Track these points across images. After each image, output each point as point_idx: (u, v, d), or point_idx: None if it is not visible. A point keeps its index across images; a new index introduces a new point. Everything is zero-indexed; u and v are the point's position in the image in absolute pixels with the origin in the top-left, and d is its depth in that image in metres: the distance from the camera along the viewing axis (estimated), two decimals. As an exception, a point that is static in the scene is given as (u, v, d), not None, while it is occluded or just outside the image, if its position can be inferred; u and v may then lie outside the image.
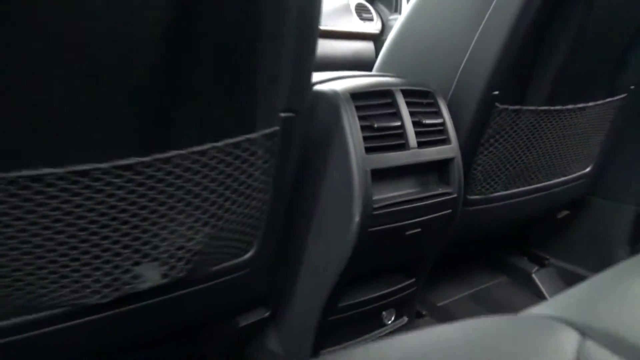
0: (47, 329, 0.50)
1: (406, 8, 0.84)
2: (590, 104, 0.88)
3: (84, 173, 0.43)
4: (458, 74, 0.75)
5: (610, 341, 0.31)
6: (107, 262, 0.48)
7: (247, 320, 0.71)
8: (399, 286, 0.78)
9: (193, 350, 0.78)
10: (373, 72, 0.80)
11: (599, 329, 0.32)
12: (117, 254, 0.49)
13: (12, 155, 0.40)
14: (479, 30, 0.72)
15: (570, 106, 0.84)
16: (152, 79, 0.45)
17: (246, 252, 0.61)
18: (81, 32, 0.39)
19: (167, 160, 0.47)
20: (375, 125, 0.63)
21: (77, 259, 0.47)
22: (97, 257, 0.48)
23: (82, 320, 0.51)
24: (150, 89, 0.45)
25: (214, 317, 0.69)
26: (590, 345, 0.30)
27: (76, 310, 0.50)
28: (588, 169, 1.02)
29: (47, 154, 0.42)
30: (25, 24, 0.36)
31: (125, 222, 0.48)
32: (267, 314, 0.72)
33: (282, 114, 0.53)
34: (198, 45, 0.46)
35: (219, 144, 0.50)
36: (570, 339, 0.31)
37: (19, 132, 0.41)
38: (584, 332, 0.32)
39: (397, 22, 0.85)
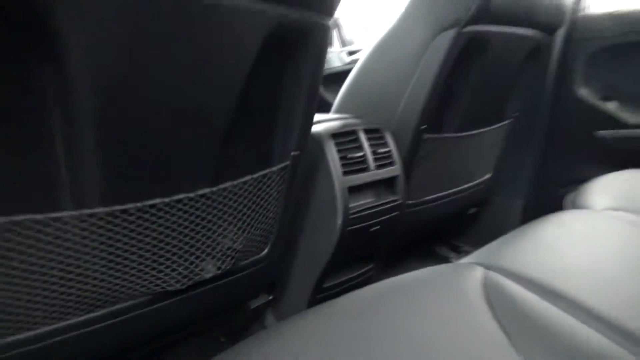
0: (139, 311, 0.70)
1: (360, 58, 1.12)
2: (487, 128, 1.22)
3: (179, 200, 0.65)
4: (399, 113, 1.04)
5: (506, 272, 0.59)
6: (185, 258, 0.70)
7: (255, 303, 0.95)
8: (364, 270, 1.05)
9: (208, 329, 0.99)
10: (342, 115, 1.06)
11: (500, 265, 0.60)
12: (191, 253, 0.71)
13: (140, 191, 0.62)
14: (412, 80, 1.02)
15: (474, 131, 1.17)
16: (221, 135, 0.68)
17: (263, 250, 0.85)
18: (180, 109, 0.62)
19: (225, 189, 0.71)
20: (348, 156, 0.90)
21: (167, 257, 0.68)
22: (179, 255, 0.69)
23: (163, 303, 0.72)
24: (219, 141, 0.68)
25: (236, 301, 0.91)
26: (492, 275, 0.58)
27: (161, 296, 0.71)
28: (488, 176, 1.36)
29: (159, 190, 0.63)
30: (147, 106, 0.58)
31: (197, 231, 0.70)
32: (270, 297, 0.96)
33: (292, 153, 0.78)
34: (247, 109, 0.69)
35: (255, 175, 0.74)
36: (478, 273, 0.59)
37: (145, 177, 0.62)
38: (489, 267, 0.60)
39: (353, 70, 1.12)
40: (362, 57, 1.11)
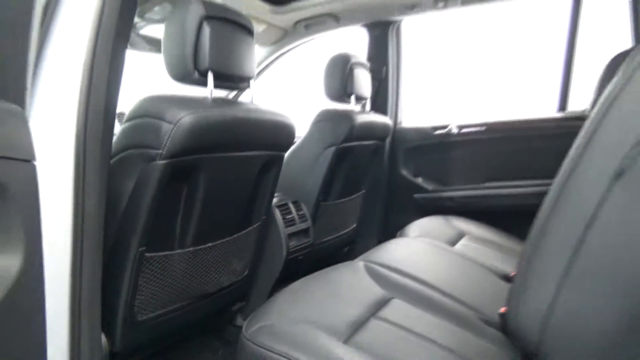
0: (198, 303, 1.31)
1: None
2: (353, 196, 2.05)
3: (223, 242, 1.31)
4: (306, 191, 1.80)
5: (374, 262, 1.35)
6: (217, 274, 1.34)
7: (235, 307, 1.59)
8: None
9: (201, 330, 1.59)
10: (279, 194, 1.77)
11: (370, 259, 1.36)
12: (219, 271, 1.35)
13: (207, 239, 1.26)
14: (313, 173, 1.79)
15: (347, 198, 1.98)
16: (240, 212, 1.35)
17: (245, 272, 1.51)
18: (230, 202, 1.29)
19: (237, 237, 1.37)
20: (286, 217, 1.63)
21: (212, 272, 1.32)
22: (215, 272, 1.33)
23: (206, 300, 1.34)
24: (240, 214, 1.35)
25: (228, 304, 1.54)
26: (367, 264, 1.34)
27: (205, 295, 1.33)
28: (354, 225, 2.18)
29: (213, 238, 1.28)
30: (219, 204, 1.25)
31: (223, 259, 1.35)
32: (242, 303, 1.61)
33: (263, 217, 1.48)
34: (250, 197, 1.38)
35: (251, 228, 1.42)
36: (361, 263, 1.34)
37: (210, 232, 1.27)
38: (366, 261, 1.36)
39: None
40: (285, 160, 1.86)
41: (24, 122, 0.70)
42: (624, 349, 0.53)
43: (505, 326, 1.15)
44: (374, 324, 1.04)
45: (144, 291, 1.14)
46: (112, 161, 1.09)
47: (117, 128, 1.07)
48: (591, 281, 0.62)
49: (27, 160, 0.69)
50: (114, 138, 1.12)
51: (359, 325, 1.01)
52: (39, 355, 0.74)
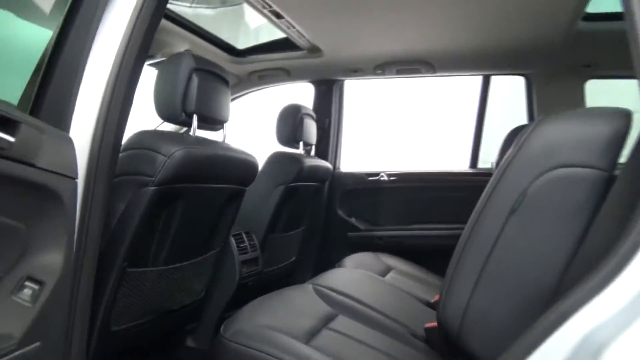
0: (165, 317, 1.44)
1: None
2: (296, 231, 2.26)
3: (190, 263, 1.46)
4: (257, 223, 1.99)
5: (320, 285, 1.56)
6: (182, 292, 1.49)
7: (189, 326, 1.71)
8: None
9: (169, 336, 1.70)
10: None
11: (317, 283, 1.58)
12: (182, 290, 1.49)
13: (176, 260, 1.41)
14: (265, 208, 2.00)
15: (290, 233, 2.20)
16: (207, 231, 1.52)
17: (201, 293, 1.65)
18: (194, 221, 1.46)
19: (203, 259, 1.53)
20: (240, 246, 1.81)
21: (176, 291, 1.46)
22: (180, 290, 1.48)
23: (171, 315, 1.47)
24: (206, 233, 1.52)
25: (186, 322, 1.66)
26: (315, 287, 1.55)
27: (171, 310, 1.47)
28: (294, 258, 2.39)
29: (182, 259, 1.43)
30: (193, 228, 1.42)
31: (187, 278, 1.50)
32: (195, 323, 1.74)
33: (222, 243, 1.66)
34: (214, 225, 1.56)
35: (212, 252, 1.58)
36: (310, 286, 1.55)
37: (178, 254, 1.43)
38: (314, 284, 1.57)
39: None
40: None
41: (72, 146, 0.87)
42: (515, 330, 0.79)
43: (428, 338, 1.41)
44: (326, 333, 1.25)
45: (120, 303, 1.27)
46: (107, 184, 1.24)
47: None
48: (493, 285, 0.90)
49: (73, 178, 0.86)
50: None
51: (313, 333, 1.22)
52: (67, 339, 0.87)
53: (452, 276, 0.95)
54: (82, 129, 0.98)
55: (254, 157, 1.57)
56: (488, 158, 2.62)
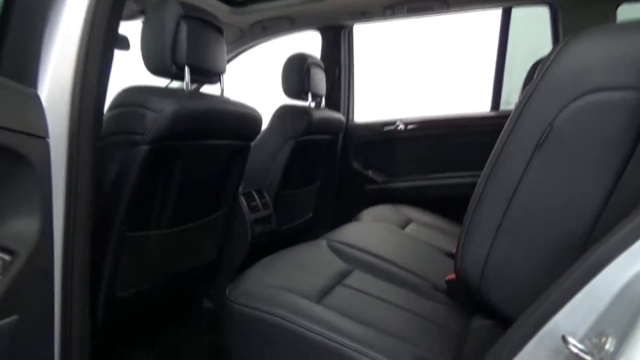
0: (178, 279, 1.40)
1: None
2: (311, 186, 2.18)
3: (194, 225, 1.40)
4: (268, 181, 1.91)
5: (334, 241, 1.49)
6: (190, 255, 1.44)
7: (204, 288, 1.68)
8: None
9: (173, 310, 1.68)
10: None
11: (331, 239, 1.51)
12: (192, 253, 1.44)
13: (181, 221, 1.35)
14: (274, 163, 1.92)
15: (304, 189, 2.12)
16: (212, 196, 1.46)
17: (213, 254, 1.60)
18: (196, 181, 1.39)
19: (210, 220, 1.47)
20: (251, 204, 1.75)
21: (187, 252, 1.41)
22: (192, 250, 1.43)
23: (181, 279, 1.43)
24: (211, 193, 1.46)
25: (201, 283, 1.62)
26: (329, 242, 1.48)
27: (186, 272, 1.42)
28: (310, 214, 2.32)
29: (188, 220, 1.37)
30: (196, 186, 1.35)
31: (197, 240, 1.44)
32: (209, 285, 1.70)
33: (231, 203, 1.59)
34: (219, 183, 1.48)
35: (219, 212, 1.52)
36: (324, 241, 1.48)
37: (183, 215, 1.36)
38: (327, 239, 1.50)
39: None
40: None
41: (39, 103, 0.79)
42: (541, 283, 0.70)
43: (450, 291, 1.33)
44: (340, 290, 1.18)
45: (124, 268, 1.22)
46: (97, 146, 1.17)
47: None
48: (516, 233, 0.80)
49: (42, 137, 0.78)
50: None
51: (326, 291, 1.16)
52: (49, 311, 0.82)
53: (470, 224, 0.85)
54: (55, 86, 0.90)
55: (255, 111, 1.47)
56: (510, 99, 2.45)
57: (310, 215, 2.30)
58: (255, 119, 1.48)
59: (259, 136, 1.94)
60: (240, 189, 1.78)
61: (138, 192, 1.17)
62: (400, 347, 0.93)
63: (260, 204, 1.82)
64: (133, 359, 1.46)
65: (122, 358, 1.45)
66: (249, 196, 1.79)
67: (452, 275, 1.33)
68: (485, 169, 0.88)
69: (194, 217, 1.41)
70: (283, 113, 1.94)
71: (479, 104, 2.53)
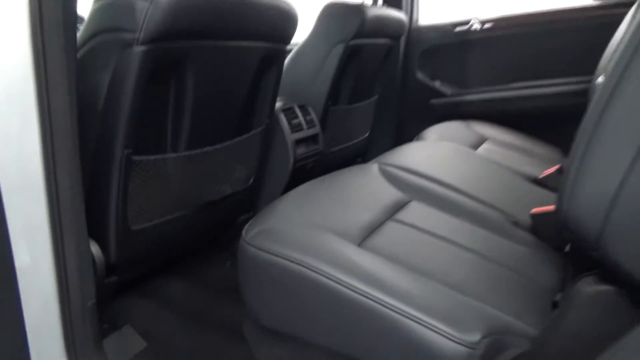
0: (198, 213, 1.22)
1: (286, 62, 1.67)
2: (365, 102, 1.88)
3: (220, 147, 1.18)
4: (314, 95, 1.64)
5: (388, 165, 1.22)
6: (218, 181, 1.23)
7: (241, 219, 1.50)
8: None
9: (206, 243, 1.52)
10: (282, 97, 1.61)
11: (385, 162, 1.24)
12: (220, 178, 1.24)
13: (203, 143, 1.13)
14: (320, 74, 1.62)
15: (358, 104, 1.82)
16: (239, 112, 1.21)
17: (249, 180, 1.40)
18: (225, 99, 1.15)
19: (240, 141, 1.24)
20: (291, 122, 1.49)
21: (211, 179, 1.21)
22: (215, 179, 1.22)
23: (206, 209, 1.24)
24: (238, 116, 1.22)
25: (234, 214, 1.44)
26: (382, 166, 1.21)
27: (206, 205, 1.23)
28: (367, 134, 2.04)
29: (212, 141, 1.15)
30: (214, 100, 1.11)
31: (225, 165, 1.23)
32: (250, 214, 1.51)
33: (267, 120, 1.34)
34: (248, 98, 1.24)
35: (253, 132, 1.29)
36: (375, 165, 1.22)
37: (204, 136, 1.14)
38: (380, 163, 1.23)
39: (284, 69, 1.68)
40: (287, 61, 1.68)
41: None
42: None
43: (536, 227, 1.04)
44: (390, 227, 0.93)
45: (136, 199, 1.04)
46: (81, 51, 0.94)
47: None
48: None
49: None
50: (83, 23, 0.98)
51: (373, 228, 0.91)
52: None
53: (587, 148, 0.55)
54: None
55: (288, 4, 1.17)
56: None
57: (366, 135, 2.02)
58: (289, 15, 1.18)
59: (302, 41, 1.65)
60: (280, 104, 1.53)
61: (142, 108, 0.95)
62: (469, 310, 0.68)
63: (304, 122, 1.56)
64: (165, 290, 1.34)
65: (157, 288, 1.33)
66: (290, 112, 1.54)
67: (541, 208, 1.03)
68: (607, 78, 0.56)
69: (219, 137, 1.19)
70: (330, 11, 1.61)
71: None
